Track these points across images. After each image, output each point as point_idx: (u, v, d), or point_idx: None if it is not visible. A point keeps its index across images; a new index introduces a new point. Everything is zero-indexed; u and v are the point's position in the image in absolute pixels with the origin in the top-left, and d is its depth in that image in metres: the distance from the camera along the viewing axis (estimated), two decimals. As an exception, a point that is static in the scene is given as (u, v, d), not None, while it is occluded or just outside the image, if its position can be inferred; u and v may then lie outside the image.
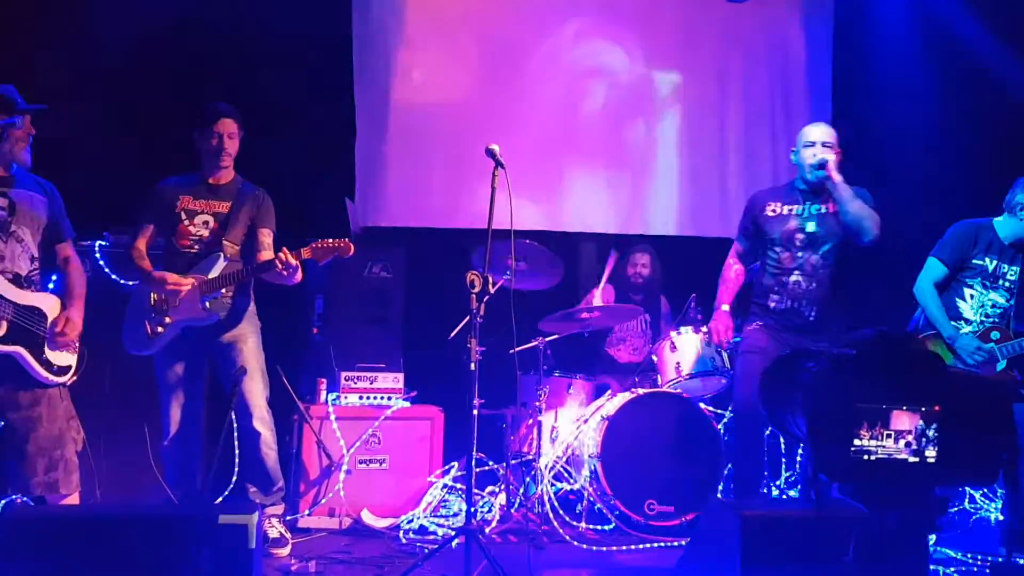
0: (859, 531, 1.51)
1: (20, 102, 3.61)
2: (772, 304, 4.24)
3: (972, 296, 4.45)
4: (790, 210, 4.29)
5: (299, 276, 3.98)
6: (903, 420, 2.12)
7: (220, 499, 4.55)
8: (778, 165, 6.50)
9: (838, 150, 4.28)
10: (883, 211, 4.31)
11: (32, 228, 3.67)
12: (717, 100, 6.47)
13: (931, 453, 2.16)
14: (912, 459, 2.17)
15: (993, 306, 4.43)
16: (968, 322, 4.43)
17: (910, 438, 2.14)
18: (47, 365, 3.62)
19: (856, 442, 1.76)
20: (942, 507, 2.26)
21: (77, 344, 3.73)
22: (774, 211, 4.31)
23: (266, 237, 4.16)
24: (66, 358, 3.69)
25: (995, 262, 4.44)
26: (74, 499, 3.66)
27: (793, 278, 4.22)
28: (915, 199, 5.71)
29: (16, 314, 3.54)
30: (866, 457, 2.06)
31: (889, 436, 2.11)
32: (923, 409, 2.08)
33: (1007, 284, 4.45)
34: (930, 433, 2.14)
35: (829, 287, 4.22)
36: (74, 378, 3.74)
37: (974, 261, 4.46)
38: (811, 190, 4.28)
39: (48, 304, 3.70)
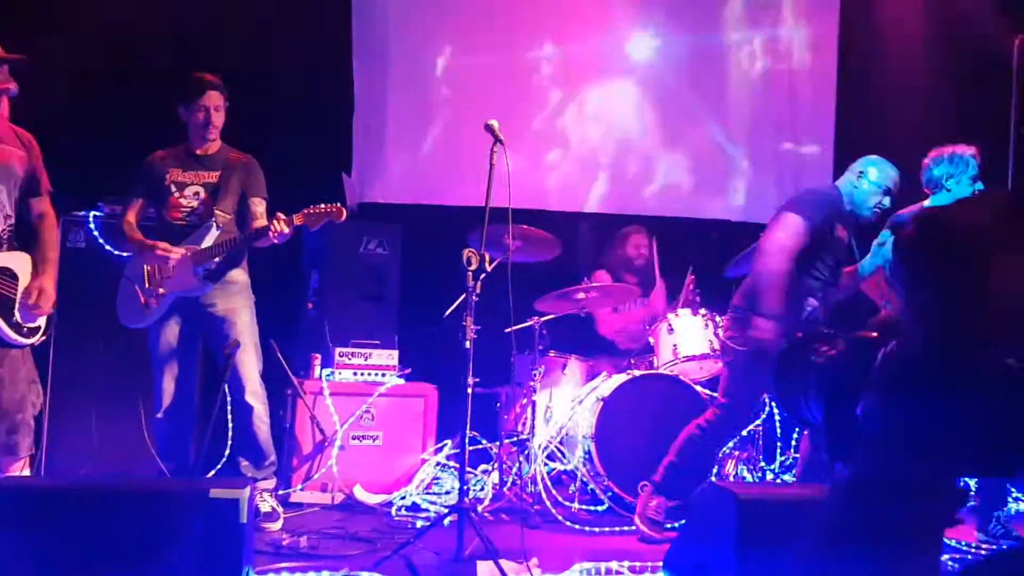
0: (871, 516, 1.49)
1: None
2: None
3: None
4: None
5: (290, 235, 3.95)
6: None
7: (212, 472, 4.53)
8: (780, 148, 6.47)
9: None
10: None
11: (8, 185, 3.49)
12: (721, 81, 6.42)
13: (952, 443, 2.12)
14: (932, 448, 2.13)
15: None
16: None
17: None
18: (16, 327, 3.47)
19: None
20: (962, 499, 2.21)
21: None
22: None
23: (258, 206, 4.13)
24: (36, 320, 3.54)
25: None
26: (25, 463, 3.58)
27: None
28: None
29: None
30: (886, 445, 2.02)
31: (910, 423, 2.06)
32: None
33: None
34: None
35: None
36: (43, 338, 3.59)
37: None
38: None
39: (19, 263, 3.53)
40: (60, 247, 3.85)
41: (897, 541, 1.53)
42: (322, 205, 3.94)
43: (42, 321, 3.58)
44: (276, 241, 3.92)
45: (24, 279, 3.51)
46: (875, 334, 1.56)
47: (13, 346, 3.52)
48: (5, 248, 3.51)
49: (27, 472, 3.61)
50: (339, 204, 3.96)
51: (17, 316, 3.49)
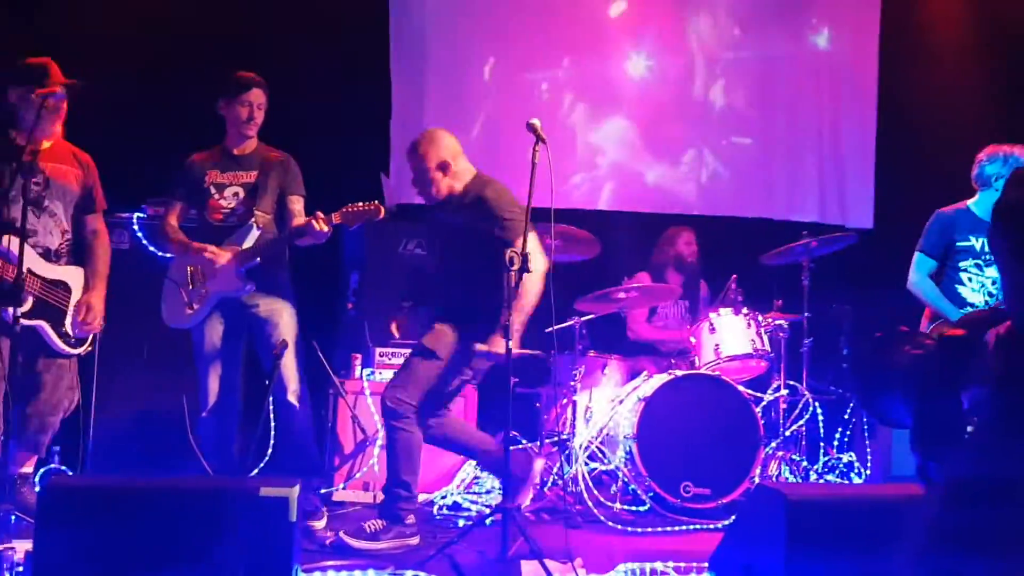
0: (981, 519, 1.37)
1: (55, 75, 3.69)
2: None
3: (970, 279, 4.37)
4: None
5: (329, 233, 3.96)
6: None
7: (256, 472, 4.56)
8: (821, 150, 6.41)
9: None
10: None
11: (64, 202, 3.81)
12: (763, 81, 6.37)
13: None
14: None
15: (994, 283, 4.33)
16: (973, 306, 4.34)
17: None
18: (65, 337, 3.80)
19: (970, 428, 1.60)
20: None
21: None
22: None
23: (296, 204, 4.13)
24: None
25: (981, 240, 4.37)
26: (34, 460, 3.94)
27: None
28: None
29: (43, 289, 3.72)
30: (980, 444, 1.92)
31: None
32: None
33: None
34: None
35: None
36: (89, 348, 3.91)
37: (959, 244, 4.40)
38: None
39: (73, 278, 3.85)
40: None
41: (1010, 545, 1.40)
42: (360, 204, 3.93)
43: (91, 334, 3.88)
44: (316, 241, 3.93)
45: (76, 293, 3.84)
46: (963, 331, 1.50)
47: (60, 355, 3.76)
48: (64, 262, 3.85)
49: (30, 470, 3.92)
50: (376, 202, 3.95)
51: (67, 327, 3.80)
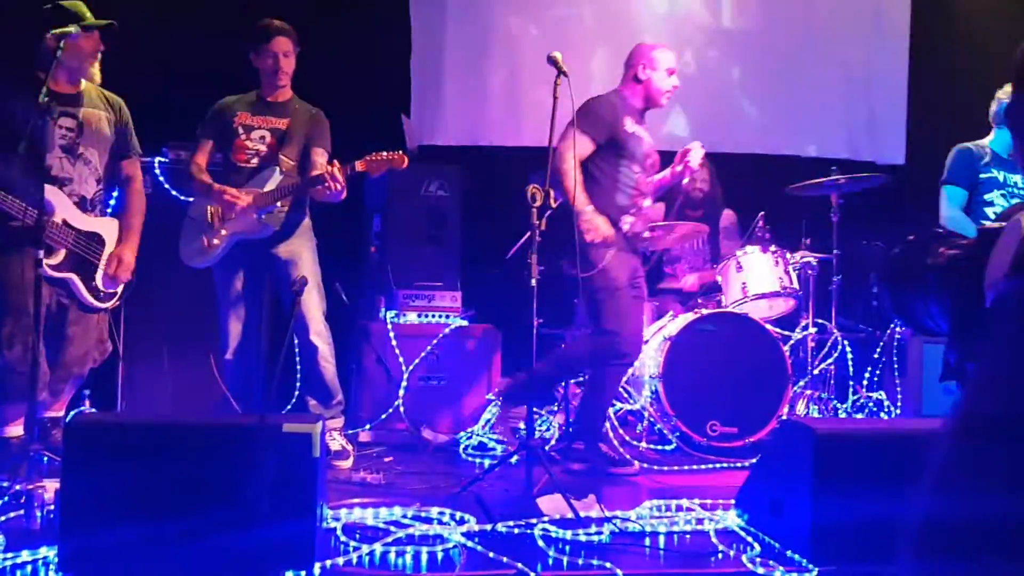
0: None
1: (87, 17, 3.64)
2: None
3: (996, 212, 4.35)
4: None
5: (344, 193, 3.92)
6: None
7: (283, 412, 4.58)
8: (852, 85, 6.25)
9: None
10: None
11: (99, 148, 3.77)
12: (792, 13, 6.20)
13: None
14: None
15: None
16: None
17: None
18: (95, 292, 3.76)
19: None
20: None
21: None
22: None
23: (320, 157, 4.11)
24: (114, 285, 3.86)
25: (1002, 173, 4.44)
26: (63, 404, 3.94)
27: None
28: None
29: (75, 242, 3.68)
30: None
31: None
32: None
33: (1020, 192, 4.44)
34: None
35: None
36: (117, 303, 3.88)
37: (982, 175, 4.44)
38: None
39: (107, 230, 3.82)
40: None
41: None
42: (384, 152, 3.91)
43: (119, 287, 3.85)
44: (333, 188, 3.84)
45: (110, 245, 3.81)
46: (1003, 224, 1.43)
47: (89, 309, 3.78)
48: (97, 212, 3.81)
49: (60, 414, 3.91)
50: (401, 151, 3.92)
51: (98, 281, 3.77)
